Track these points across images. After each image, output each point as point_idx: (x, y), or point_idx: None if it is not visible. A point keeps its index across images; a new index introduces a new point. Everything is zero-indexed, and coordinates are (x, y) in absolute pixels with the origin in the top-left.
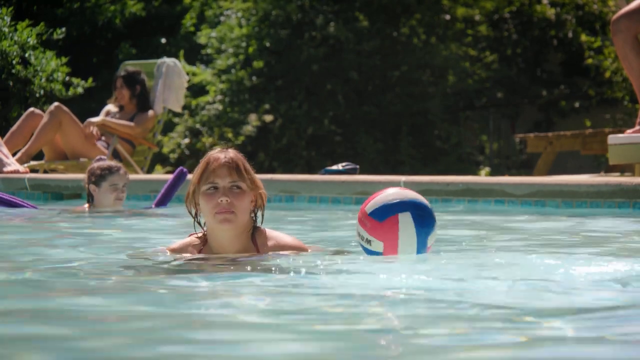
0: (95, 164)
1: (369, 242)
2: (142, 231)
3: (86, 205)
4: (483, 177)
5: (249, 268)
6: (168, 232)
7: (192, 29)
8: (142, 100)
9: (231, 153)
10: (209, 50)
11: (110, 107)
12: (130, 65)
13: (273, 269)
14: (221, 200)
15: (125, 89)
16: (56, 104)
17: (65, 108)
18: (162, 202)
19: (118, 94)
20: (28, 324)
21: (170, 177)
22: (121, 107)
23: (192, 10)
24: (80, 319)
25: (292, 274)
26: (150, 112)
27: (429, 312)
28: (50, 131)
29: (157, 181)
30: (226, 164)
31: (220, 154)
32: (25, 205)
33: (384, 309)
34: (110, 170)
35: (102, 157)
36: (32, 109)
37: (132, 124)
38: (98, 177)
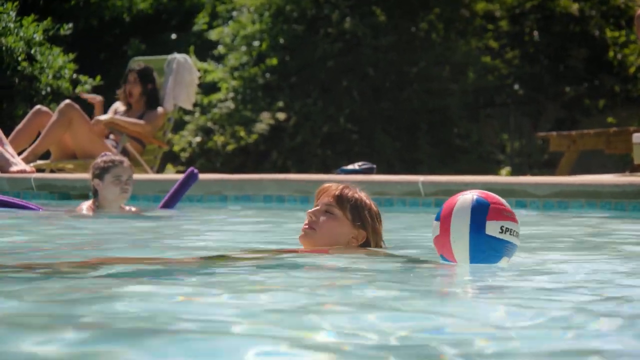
0: (99, 159)
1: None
2: (144, 233)
3: (90, 202)
4: (504, 177)
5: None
6: (168, 234)
7: (204, 27)
8: (152, 98)
9: (351, 190)
10: (221, 49)
11: (118, 105)
12: (141, 61)
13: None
14: (308, 216)
15: (138, 85)
16: (67, 101)
17: (75, 106)
18: (169, 204)
19: (129, 89)
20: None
21: (180, 177)
22: (129, 105)
23: (205, 10)
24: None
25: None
26: (160, 110)
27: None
28: (59, 130)
29: (168, 181)
30: (332, 191)
31: (341, 184)
32: (29, 206)
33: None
34: (113, 163)
35: (107, 153)
36: (38, 106)
37: (142, 122)
38: (101, 171)
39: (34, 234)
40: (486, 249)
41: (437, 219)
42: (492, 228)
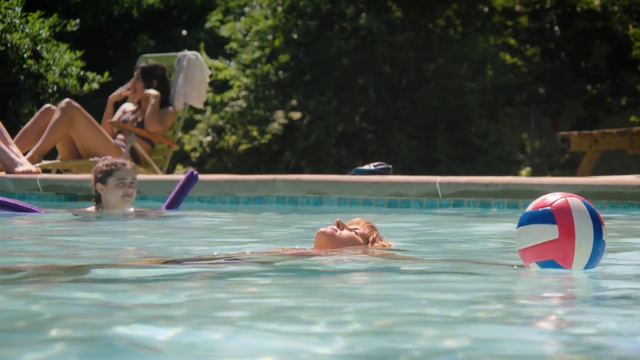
0: (100, 163)
1: None
2: (151, 234)
3: (93, 207)
4: (524, 178)
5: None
6: (177, 235)
7: (217, 24)
8: (161, 96)
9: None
10: (233, 45)
11: (127, 105)
12: (150, 59)
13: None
14: (338, 222)
15: (140, 82)
16: (67, 100)
17: (75, 104)
18: (172, 205)
19: (133, 85)
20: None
21: (181, 177)
22: (139, 105)
23: (219, 8)
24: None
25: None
26: (170, 109)
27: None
28: (61, 129)
29: (177, 182)
30: (364, 220)
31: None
32: (30, 209)
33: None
34: (116, 166)
35: (107, 157)
36: (47, 105)
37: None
38: (104, 174)
39: (37, 237)
40: (600, 253)
41: (549, 221)
42: (605, 233)
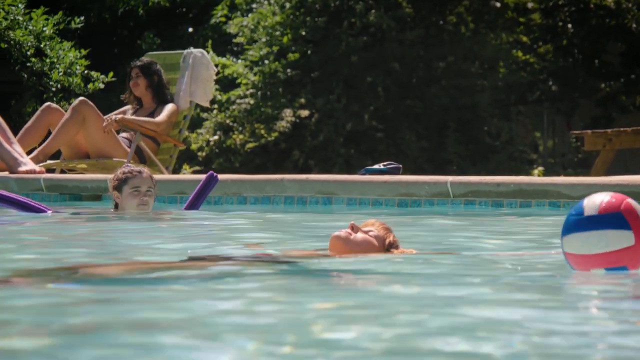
0: (119, 170)
1: None
2: (169, 235)
3: (112, 210)
4: (536, 178)
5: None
6: (195, 236)
7: (222, 19)
8: (160, 93)
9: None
10: (240, 40)
11: (129, 107)
12: (154, 56)
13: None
14: (352, 225)
15: (141, 79)
16: (81, 98)
17: (89, 103)
18: (193, 206)
19: (134, 83)
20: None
21: (201, 178)
22: (140, 105)
23: (224, 2)
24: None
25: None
26: (171, 105)
27: None
28: (72, 128)
29: (184, 182)
30: (379, 222)
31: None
32: (40, 208)
33: None
34: (131, 173)
35: (128, 164)
36: (48, 103)
37: (157, 120)
38: (120, 182)
39: (53, 236)
40: None
41: (624, 227)
42: None
